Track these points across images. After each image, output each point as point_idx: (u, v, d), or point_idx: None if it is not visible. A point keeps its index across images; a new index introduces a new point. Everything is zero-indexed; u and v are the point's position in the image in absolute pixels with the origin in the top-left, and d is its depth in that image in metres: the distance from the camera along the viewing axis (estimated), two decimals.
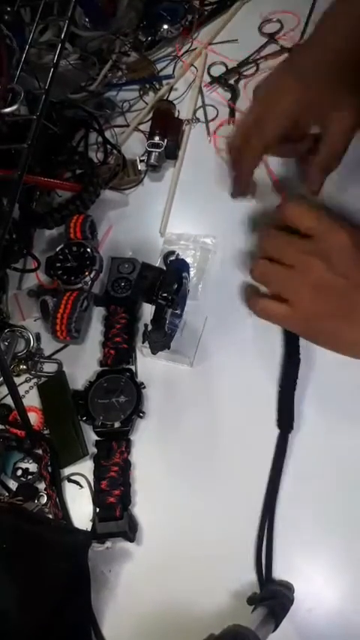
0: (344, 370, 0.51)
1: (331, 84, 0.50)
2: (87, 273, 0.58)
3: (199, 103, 0.69)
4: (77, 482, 0.53)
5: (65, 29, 0.55)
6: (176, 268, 0.51)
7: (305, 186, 0.55)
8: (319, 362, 0.52)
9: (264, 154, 0.54)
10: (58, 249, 0.59)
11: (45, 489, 0.53)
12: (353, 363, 0.47)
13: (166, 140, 0.65)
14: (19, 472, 0.54)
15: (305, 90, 0.50)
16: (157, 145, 0.65)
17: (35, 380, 0.58)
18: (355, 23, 0.50)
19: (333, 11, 0.52)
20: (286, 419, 0.51)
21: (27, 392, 0.58)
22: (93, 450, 0.53)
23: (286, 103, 0.51)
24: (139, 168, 0.66)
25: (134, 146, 0.68)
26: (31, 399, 0.57)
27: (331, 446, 0.50)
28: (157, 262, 0.59)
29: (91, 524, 0.51)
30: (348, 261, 0.46)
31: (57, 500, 0.52)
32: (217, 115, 0.68)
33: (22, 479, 0.54)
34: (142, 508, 0.51)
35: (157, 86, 0.72)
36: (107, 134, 0.68)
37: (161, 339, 0.51)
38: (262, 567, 0.48)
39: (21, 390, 0.57)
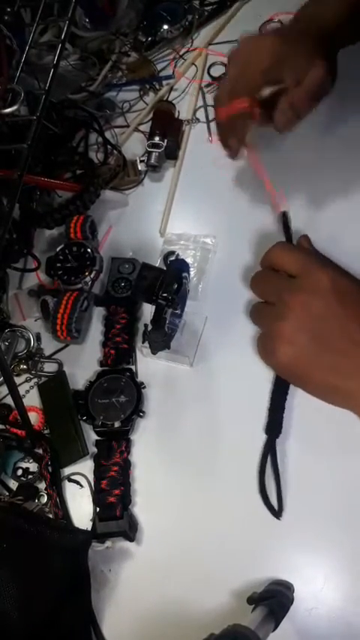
0: None
1: (307, 46, 0.50)
2: (87, 274, 0.58)
3: (199, 103, 0.69)
4: (77, 482, 0.53)
5: (65, 30, 0.55)
6: (176, 268, 0.51)
7: (274, 125, 0.53)
8: None
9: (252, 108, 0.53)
10: (58, 250, 0.59)
11: (45, 489, 0.53)
12: None
13: (166, 140, 0.65)
14: (20, 472, 0.54)
15: (282, 43, 0.51)
16: (157, 146, 0.65)
17: (35, 380, 0.58)
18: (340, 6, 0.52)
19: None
20: (274, 425, 0.51)
21: (27, 392, 0.58)
22: (93, 449, 0.53)
23: (267, 52, 0.51)
24: (139, 168, 0.66)
25: (134, 146, 0.68)
26: (32, 399, 0.57)
27: (332, 447, 0.50)
28: (157, 262, 0.59)
29: (91, 523, 0.51)
30: (327, 299, 0.46)
31: (57, 499, 0.52)
32: None
33: (23, 478, 0.54)
34: (142, 507, 0.51)
35: (157, 86, 0.72)
36: (107, 134, 0.68)
37: (161, 339, 0.51)
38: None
39: (21, 389, 0.57)
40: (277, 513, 0.49)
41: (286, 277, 0.49)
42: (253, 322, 0.53)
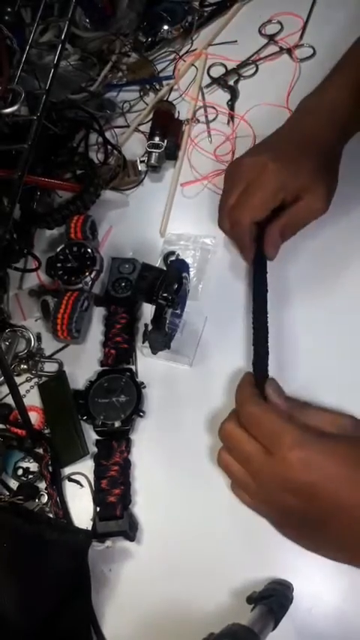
0: None
1: (308, 169, 0.52)
2: (87, 274, 0.58)
3: (199, 104, 0.69)
4: (78, 482, 0.53)
5: (65, 30, 0.56)
6: (176, 268, 0.52)
7: (265, 249, 0.55)
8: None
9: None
10: (58, 250, 0.59)
11: (45, 489, 0.53)
12: None
13: (166, 141, 0.65)
14: (20, 471, 0.54)
15: (282, 168, 0.51)
16: (157, 146, 0.65)
17: (36, 379, 0.58)
18: (329, 114, 0.54)
19: (311, 97, 0.56)
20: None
21: (28, 391, 0.58)
22: (93, 449, 0.53)
23: (270, 183, 0.52)
24: (140, 168, 0.66)
25: (134, 147, 0.68)
26: (32, 399, 0.57)
27: None
28: (158, 262, 0.59)
29: (91, 523, 0.51)
30: (302, 477, 0.39)
31: (57, 499, 0.52)
32: (216, 116, 0.68)
33: (23, 478, 0.54)
34: (142, 507, 0.51)
35: (158, 87, 0.72)
36: (108, 135, 0.68)
37: (161, 339, 0.51)
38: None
39: (22, 389, 0.57)
40: None
41: (258, 446, 0.42)
42: (223, 470, 0.46)
